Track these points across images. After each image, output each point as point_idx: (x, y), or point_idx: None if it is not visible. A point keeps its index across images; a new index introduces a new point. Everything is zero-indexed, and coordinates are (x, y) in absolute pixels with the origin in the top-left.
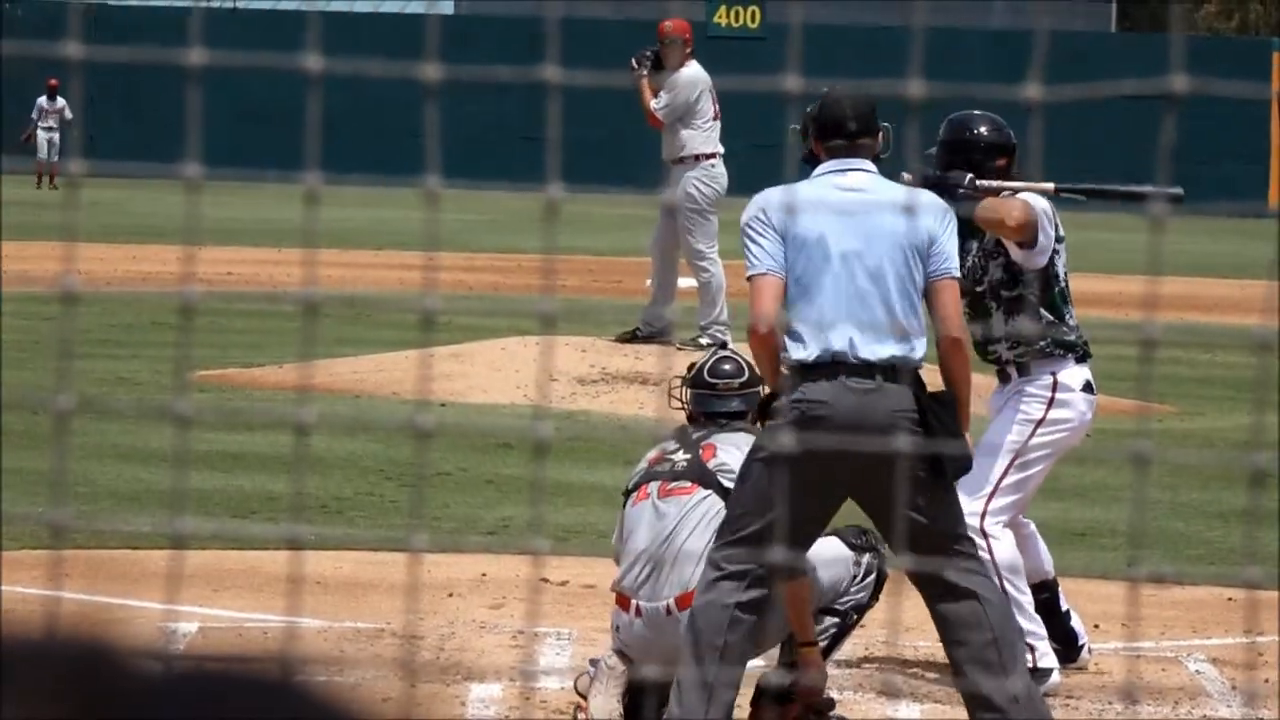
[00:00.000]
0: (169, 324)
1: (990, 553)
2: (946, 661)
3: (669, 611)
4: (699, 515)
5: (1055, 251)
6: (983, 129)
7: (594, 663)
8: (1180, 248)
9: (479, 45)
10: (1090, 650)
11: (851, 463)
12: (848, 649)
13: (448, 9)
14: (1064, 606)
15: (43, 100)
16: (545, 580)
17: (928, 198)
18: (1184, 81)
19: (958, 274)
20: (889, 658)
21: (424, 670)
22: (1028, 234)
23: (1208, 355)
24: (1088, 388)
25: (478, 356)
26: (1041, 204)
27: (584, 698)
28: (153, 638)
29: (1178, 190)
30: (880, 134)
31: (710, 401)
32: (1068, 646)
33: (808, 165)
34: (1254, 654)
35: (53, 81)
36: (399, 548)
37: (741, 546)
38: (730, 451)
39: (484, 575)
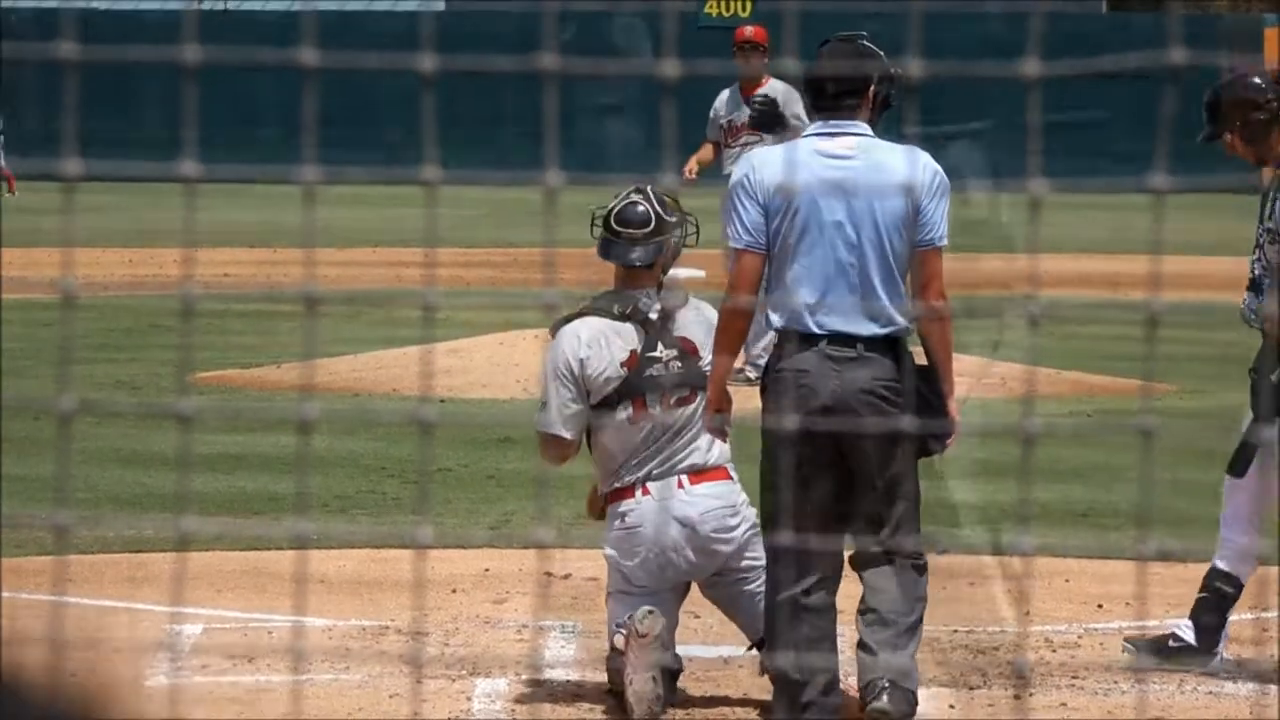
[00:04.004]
0: (167, 326)
1: None
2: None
3: (680, 485)
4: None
5: None
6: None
7: (614, 649)
8: (1175, 224)
9: (468, 44)
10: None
11: (836, 435)
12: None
13: (439, 5)
14: None
15: None
16: (549, 574)
17: (920, 163)
18: (1182, 54)
19: (943, 243)
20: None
21: (429, 666)
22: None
23: (1205, 333)
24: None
25: (476, 352)
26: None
27: (620, 682)
28: (157, 640)
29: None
30: (870, 94)
31: (612, 247)
32: None
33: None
34: (1260, 630)
35: None
36: (402, 545)
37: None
38: (709, 346)
39: (487, 570)
